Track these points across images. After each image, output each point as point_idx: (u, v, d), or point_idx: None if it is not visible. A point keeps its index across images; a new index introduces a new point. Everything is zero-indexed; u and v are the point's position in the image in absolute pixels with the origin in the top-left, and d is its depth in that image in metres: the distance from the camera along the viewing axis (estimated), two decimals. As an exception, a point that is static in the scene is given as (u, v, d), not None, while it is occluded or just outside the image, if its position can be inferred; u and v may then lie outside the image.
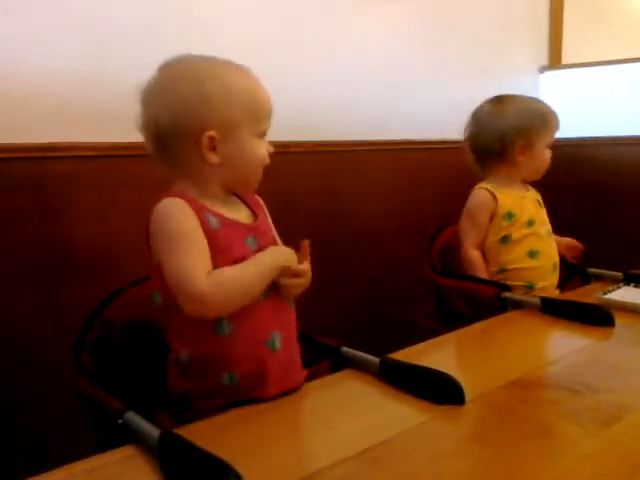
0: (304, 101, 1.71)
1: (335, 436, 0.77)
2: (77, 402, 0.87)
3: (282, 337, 0.87)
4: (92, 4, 1.40)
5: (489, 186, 1.48)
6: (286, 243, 0.94)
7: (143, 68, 1.41)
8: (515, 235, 1.45)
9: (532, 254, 1.45)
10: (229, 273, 0.82)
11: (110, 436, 0.76)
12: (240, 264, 0.83)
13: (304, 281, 0.89)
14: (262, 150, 0.89)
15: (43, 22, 1.34)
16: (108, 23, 1.42)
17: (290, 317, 0.92)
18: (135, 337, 0.97)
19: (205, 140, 0.83)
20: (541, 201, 1.55)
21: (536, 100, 1.53)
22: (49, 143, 1.35)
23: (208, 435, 0.75)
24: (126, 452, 0.72)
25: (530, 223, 1.46)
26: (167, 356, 0.89)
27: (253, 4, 1.67)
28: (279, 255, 0.87)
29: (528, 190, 1.54)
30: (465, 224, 1.49)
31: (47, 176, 1.37)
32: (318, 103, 1.81)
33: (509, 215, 1.45)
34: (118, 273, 1.38)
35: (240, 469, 0.63)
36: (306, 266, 0.88)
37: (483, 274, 1.45)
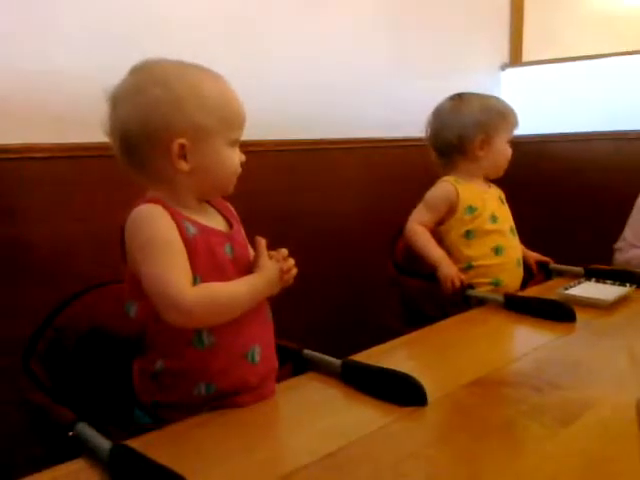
0: (264, 98, 1.69)
1: (296, 441, 0.76)
2: (26, 412, 0.84)
3: (261, 349, 0.86)
4: (37, 3, 1.35)
5: (452, 179, 1.49)
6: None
7: (94, 67, 1.40)
8: (479, 230, 1.45)
9: (497, 250, 1.46)
10: (219, 289, 0.80)
11: (60, 449, 0.73)
12: (232, 282, 0.82)
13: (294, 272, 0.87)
14: (234, 160, 0.86)
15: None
16: (55, 23, 1.38)
17: (269, 328, 0.90)
18: (91, 345, 0.93)
19: (175, 147, 0.81)
20: (504, 198, 1.56)
21: (494, 97, 1.56)
22: (1, 145, 1.31)
23: (164, 445, 0.73)
24: (76, 466, 0.69)
25: (494, 219, 1.48)
26: (126, 364, 0.87)
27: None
28: (274, 284, 0.85)
29: (490, 187, 1.55)
30: (419, 207, 1.50)
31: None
32: (280, 100, 1.80)
33: (470, 209, 1.46)
34: (74, 276, 1.33)
35: (196, 480, 0.61)
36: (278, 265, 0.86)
37: (430, 242, 1.44)
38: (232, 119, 0.85)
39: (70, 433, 0.73)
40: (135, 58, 0.86)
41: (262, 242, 0.87)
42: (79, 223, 1.42)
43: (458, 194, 1.46)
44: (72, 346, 0.92)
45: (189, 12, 1.60)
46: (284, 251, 0.87)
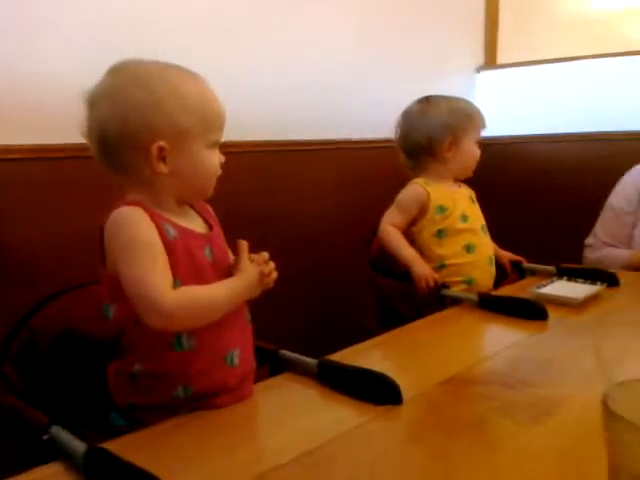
0: (240, 99, 1.69)
1: (274, 441, 0.76)
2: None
3: (240, 352, 0.86)
4: (18, 4, 1.34)
5: (422, 181, 1.51)
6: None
7: (75, 67, 1.38)
8: (450, 229, 1.48)
9: (468, 248, 1.48)
10: (199, 293, 0.80)
11: (35, 452, 0.72)
12: (211, 286, 0.82)
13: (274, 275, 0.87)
14: (214, 161, 0.86)
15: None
16: (33, 20, 1.36)
17: (248, 331, 0.90)
18: (65, 347, 0.92)
19: (154, 150, 0.80)
20: (474, 198, 1.59)
21: (462, 100, 1.58)
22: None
23: (141, 447, 0.73)
24: (51, 469, 0.68)
25: (464, 218, 1.50)
26: (101, 367, 0.86)
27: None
28: (254, 288, 0.85)
29: (460, 187, 1.58)
30: (391, 209, 1.52)
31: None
32: (255, 102, 1.80)
33: (441, 208, 1.48)
34: (51, 278, 1.32)
35: (172, 482, 0.61)
36: (261, 268, 0.86)
37: (402, 243, 1.46)
38: (212, 120, 0.85)
39: (44, 436, 0.72)
40: (115, 59, 0.85)
41: (244, 245, 0.87)
42: (55, 225, 1.40)
43: (429, 195, 1.48)
44: (46, 348, 0.91)
45: (170, 13, 1.60)
46: (265, 254, 0.87)
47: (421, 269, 1.41)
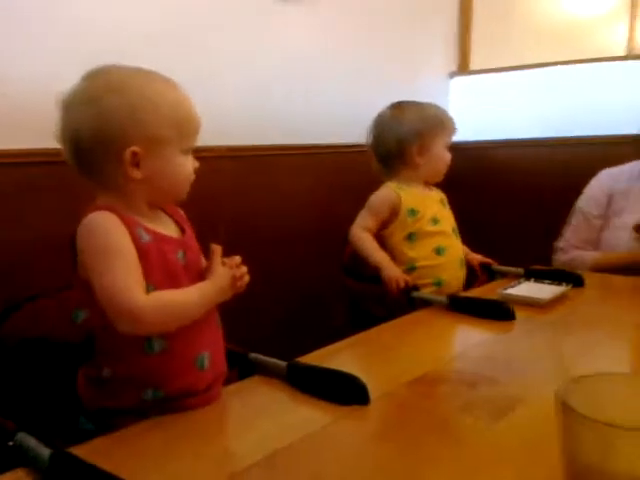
0: (214, 104, 1.69)
1: (241, 443, 0.77)
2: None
3: (210, 355, 0.86)
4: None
5: (393, 185, 1.54)
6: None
7: (42, 72, 1.38)
8: (420, 232, 1.50)
9: (439, 251, 1.51)
10: (171, 298, 0.81)
11: (0, 460, 0.72)
12: (183, 290, 0.82)
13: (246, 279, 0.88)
14: (187, 167, 0.86)
15: None
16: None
17: (219, 334, 0.91)
18: (32, 353, 0.92)
19: (128, 155, 0.80)
20: (445, 201, 1.61)
21: (433, 105, 1.61)
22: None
23: (110, 451, 0.73)
24: (15, 476, 0.68)
25: (435, 221, 1.53)
26: (69, 372, 0.86)
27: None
28: (226, 292, 0.85)
29: (431, 190, 1.60)
30: (362, 212, 1.54)
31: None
32: (229, 106, 1.80)
33: (412, 212, 1.51)
34: (17, 285, 1.31)
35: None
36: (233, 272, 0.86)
37: (373, 246, 1.49)
38: (187, 127, 0.85)
39: (10, 443, 0.72)
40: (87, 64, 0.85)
41: (217, 250, 0.87)
42: (17, 232, 1.38)
43: (400, 198, 1.50)
44: (12, 354, 0.91)
45: (148, 18, 1.60)
46: (237, 258, 0.88)
47: (391, 271, 1.43)
